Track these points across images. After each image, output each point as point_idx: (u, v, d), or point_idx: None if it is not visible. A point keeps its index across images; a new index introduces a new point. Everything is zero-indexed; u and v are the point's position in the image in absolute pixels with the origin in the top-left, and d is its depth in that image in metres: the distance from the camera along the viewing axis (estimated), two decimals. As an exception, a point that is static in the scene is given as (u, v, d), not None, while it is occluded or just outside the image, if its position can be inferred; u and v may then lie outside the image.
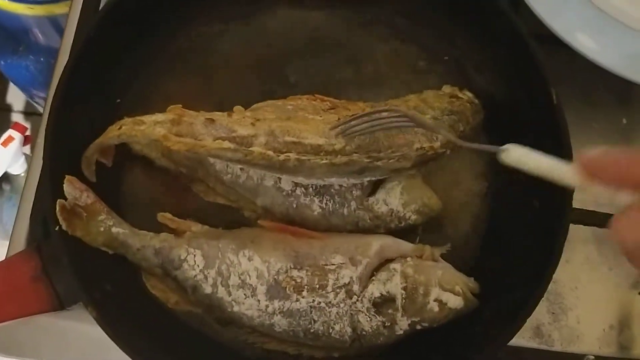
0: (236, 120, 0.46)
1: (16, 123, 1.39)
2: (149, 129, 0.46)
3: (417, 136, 0.47)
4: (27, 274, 0.45)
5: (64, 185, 0.46)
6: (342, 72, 0.56)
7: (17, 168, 1.37)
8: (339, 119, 0.47)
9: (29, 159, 1.40)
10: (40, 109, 1.39)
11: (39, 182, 0.54)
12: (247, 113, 0.48)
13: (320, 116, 0.48)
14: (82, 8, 0.58)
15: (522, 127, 0.51)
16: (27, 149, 1.40)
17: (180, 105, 0.48)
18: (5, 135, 1.36)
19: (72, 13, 0.60)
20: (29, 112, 1.58)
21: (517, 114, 0.52)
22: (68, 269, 0.44)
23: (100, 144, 0.48)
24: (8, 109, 1.59)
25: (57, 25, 1.12)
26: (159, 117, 0.47)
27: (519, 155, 0.38)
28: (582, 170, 0.35)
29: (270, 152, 0.45)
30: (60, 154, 0.47)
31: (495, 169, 0.53)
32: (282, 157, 0.44)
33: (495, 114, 0.53)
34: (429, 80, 0.55)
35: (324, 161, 0.45)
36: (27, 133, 1.40)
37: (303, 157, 0.45)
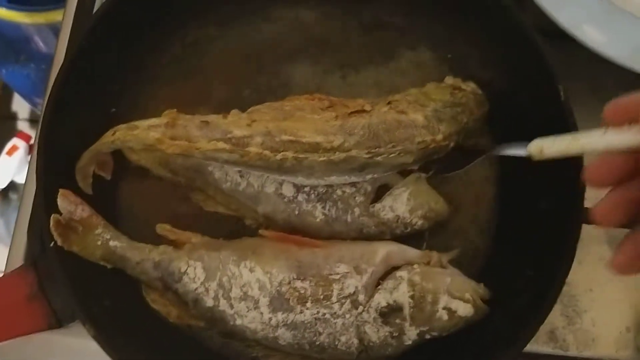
0: (232, 122, 0.45)
1: (20, 132, 1.39)
2: (143, 133, 0.45)
3: (419, 129, 0.45)
4: (23, 292, 0.44)
5: (58, 199, 0.45)
6: (340, 72, 0.54)
7: (23, 177, 1.37)
8: (337, 116, 0.45)
9: (33, 167, 1.40)
10: (44, 117, 1.39)
11: (35, 195, 0.52)
12: (243, 115, 0.47)
13: (318, 115, 0.46)
14: (75, 15, 0.58)
15: (530, 125, 0.49)
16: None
17: (175, 110, 0.47)
18: (9, 145, 1.36)
19: (66, 20, 0.58)
20: (34, 120, 1.58)
21: (524, 111, 0.50)
22: (64, 286, 0.43)
23: (93, 151, 0.46)
24: (13, 117, 1.59)
25: (57, 33, 1.11)
26: (153, 121, 0.46)
27: (549, 146, 0.38)
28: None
29: (267, 152, 0.43)
30: (53, 167, 0.46)
31: (504, 171, 0.52)
32: (279, 156, 0.43)
33: (502, 111, 0.51)
34: (431, 79, 0.53)
35: (322, 158, 0.43)
36: (32, 142, 1.40)
37: (301, 156, 0.44)
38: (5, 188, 1.37)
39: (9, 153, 1.35)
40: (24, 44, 1.18)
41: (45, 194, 0.44)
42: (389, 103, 0.47)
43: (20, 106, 1.59)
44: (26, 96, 1.27)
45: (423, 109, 0.46)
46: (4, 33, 1.19)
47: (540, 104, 0.48)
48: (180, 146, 0.44)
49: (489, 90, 0.51)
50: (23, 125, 1.59)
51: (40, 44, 1.17)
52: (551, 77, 0.47)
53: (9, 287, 0.44)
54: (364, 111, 0.46)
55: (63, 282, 0.43)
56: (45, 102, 0.46)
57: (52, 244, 0.44)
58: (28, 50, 1.19)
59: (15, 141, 1.37)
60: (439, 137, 0.46)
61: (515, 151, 0.42)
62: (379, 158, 0.44)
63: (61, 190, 0.45)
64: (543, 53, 0.47)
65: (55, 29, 1.11)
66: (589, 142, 0.36)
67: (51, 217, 0.44)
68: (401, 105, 0.47)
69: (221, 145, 0.44)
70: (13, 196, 1.43)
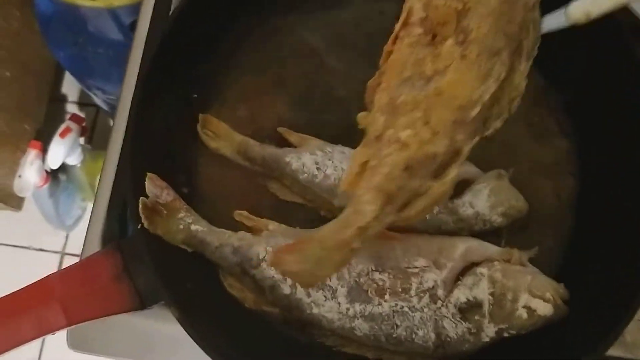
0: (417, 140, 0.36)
1: (74, 114, 1.41)
2: None
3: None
4: (109, 273, 0.45)
5: (146, 182, 0.46)
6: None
7: (74, 159, 1.39)
8: (453, 45, 0.36)
9: (85, 150, 1.42)
10: (97, 100, 1.41)
11: (114, 180, 0.53)
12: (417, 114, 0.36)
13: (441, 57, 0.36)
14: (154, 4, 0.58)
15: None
16: (82, 140, 1.42)
17: None
18: (63, 127, 1.38)
19: (144, 9, 0.59)
20: (83, 103, 1.61)
21: (612, 113, 0.49)
22: (151, 268, 0.44)
23: None
24: (63, 100, 1.62)
25: (115, 17, 1.13)
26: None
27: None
28: None
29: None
30: (141, 151, 0.47)
31: (585, 167, 0.51)
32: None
33: (587, 108, 0.51)
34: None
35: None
36: (84, 124, 1.42)
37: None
38: (55, 169, 1.39)
39: (62, 135, 1.37)
40: (83, 27, 1.20)
41: (134, 177, 0.45)
42: None
43: (69, 89, 1.62)
44: (81, 79, 1.29)
45: None
46: (63, 16, 1.21)
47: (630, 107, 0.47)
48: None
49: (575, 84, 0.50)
50: (72, 108, 1.62)
51: (98, 28, 1.19)
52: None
53: (96, 268, 0.45)
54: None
55: (150, 264, 0.44)
56: (129, 88, 0.47)
57: (139, 226, 0.45)
58: (86, 33, 1.21)
59: (68, 123, 1.39)
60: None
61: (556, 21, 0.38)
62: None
63: (149, 174, 0.46)
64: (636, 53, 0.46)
65: (113, 14, 1.13)
66: None
67: (140, 200, 0.45)
68: None
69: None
70: (62, 177, 1.46)
